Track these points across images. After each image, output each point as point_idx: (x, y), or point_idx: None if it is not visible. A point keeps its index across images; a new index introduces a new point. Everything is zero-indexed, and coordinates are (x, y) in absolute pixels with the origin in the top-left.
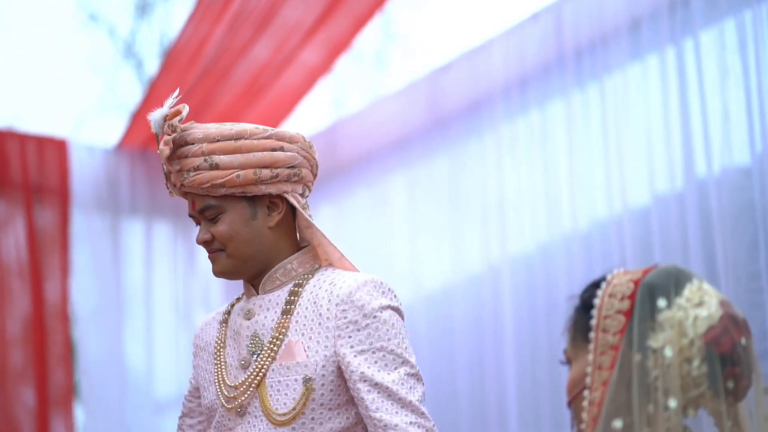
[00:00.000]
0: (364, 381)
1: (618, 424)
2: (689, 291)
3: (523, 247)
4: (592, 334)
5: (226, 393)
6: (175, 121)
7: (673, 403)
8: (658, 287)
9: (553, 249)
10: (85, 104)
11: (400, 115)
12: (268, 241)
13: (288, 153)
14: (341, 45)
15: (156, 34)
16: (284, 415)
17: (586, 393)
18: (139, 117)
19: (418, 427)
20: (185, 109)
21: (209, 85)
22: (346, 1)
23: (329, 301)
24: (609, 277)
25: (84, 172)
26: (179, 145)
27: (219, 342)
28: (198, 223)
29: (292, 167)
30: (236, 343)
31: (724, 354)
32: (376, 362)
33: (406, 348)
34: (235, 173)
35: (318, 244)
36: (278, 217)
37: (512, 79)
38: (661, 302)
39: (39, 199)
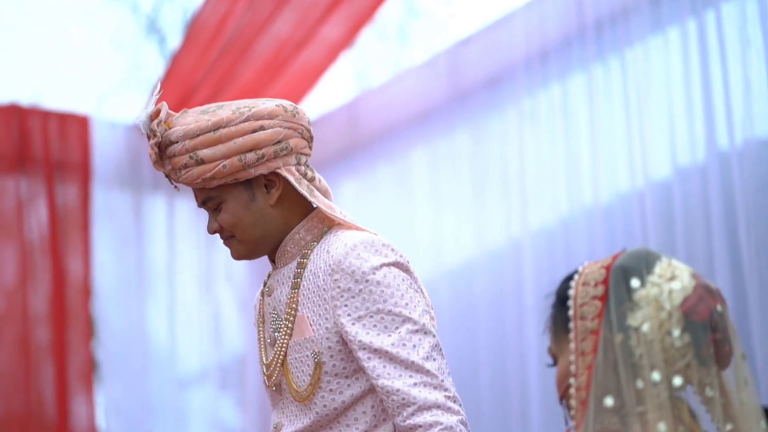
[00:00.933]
0: (364, 349)
1: (609, 401)
2: (660, 268)
3: (545, 221)
4: (571, 324)
5: (264, 371)
6: (154, 124)
7: (656, 375)
8: (630, 268)
9: (575, 223)
10: (108, 80)
11: (422, 89)
12: (273, 219)
13: (269, 130)
14: (363, 18)
15: (179, 9)
16: (304, 391)
17: (572, 380)
18: (161, 93)
19: (424, 386)
20: (164, 109)
21: (231, 60)
22: None
23: (324, 270)
24: (580, 269)
25: (106, 148)
26: (165, 145)
27: (259, 318)
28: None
29: (278, 143)
30: (267, 319)
31: (703, 321)
32: (375, 326)
33: (406, 304)
34: (221, 164)
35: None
36: (277, 194)
37: (533, 52)
38: (635, 282)
39: (61, 176)
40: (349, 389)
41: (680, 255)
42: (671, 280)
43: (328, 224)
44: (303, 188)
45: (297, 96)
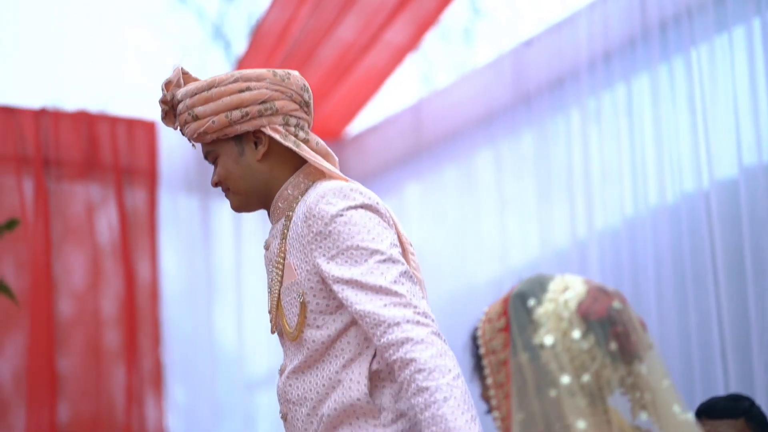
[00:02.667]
0: (338, 282)
1: (519, 416)
2: (553, 284)
3: (610, 221)
4: (484, 361)
5: (269, 318)
6: (163, 85)
7: (565, 379)
8: (525, 292)
9: (640, 223)
10: None
11: (486, 91)
12: (261, 173)
13: (255, 91)
14: (428, 21)
15: (244, 15)
16: (295, 330)
17: (495, 413)
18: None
19: (394, 305)
20: (175, 73)
21: (296, 65)
22: None
23: (301, 219)
24: (485, 310)
25: (173, 153)
26: (175, 104)
27: (267, 272)
28: None
29: (263, 102)
30: (267, 270)
31: (601, 319)
32: (346, 261)
33: (372, 239)
34: (211, 120)
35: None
36: (263, 150)
37: (597, 52)
38: (532, 302)
39: (129, 181)
40: (333, 323)
41: (747, 254)
42: (564, 291)
43: (313, 179)
44: (289, 143)
45: (362, 99)
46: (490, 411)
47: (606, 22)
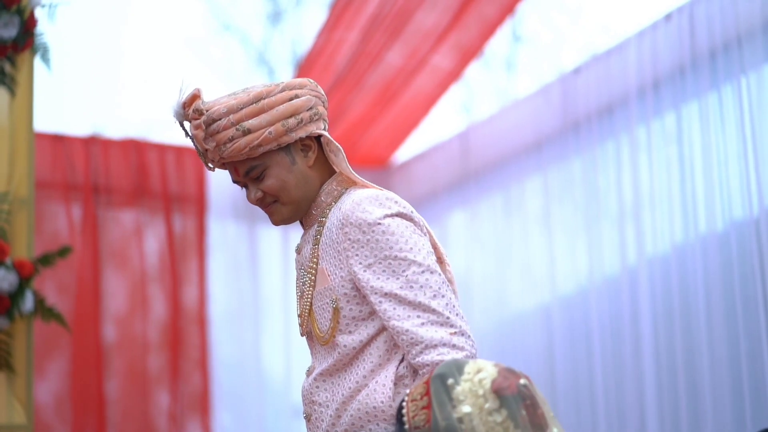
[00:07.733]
0: (375, 293)
1: None
2: (468, 367)
3: (660, 248)
4: None
5: (299, 322)
6: (199, 104)
7: None
8: (445, 373)
9: (691, 250)
10: None
11: (534, 119)
12: (312, 179)
13: (303, 98)
14: (472, 51)
15: (288, 42)
16: (326, 335)
17: None
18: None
19: (431, 324)
20: (201, 91)
21: (343, 91)
22: (476, 5)
23: (336, 225)
24: (410, 390)
25: (221, 180)
26: (207, 124)
27: (297, 275)
28: (244, 186)
29: (310, 109)
30: (297, 274)
31: (513, 394)
32: (384, 271)
33: (410, 249)
34: (267, 131)
35: (342, 171)
36: (314, 156)
37: (646, 80)
38: (450, 381)
39: (178, 207)
40: (365, 329)
41: None
42: (478, 372)
43: (345, 186)
44: (333, 148)
45: (408, 127)
46: None
47: (655, 50)
